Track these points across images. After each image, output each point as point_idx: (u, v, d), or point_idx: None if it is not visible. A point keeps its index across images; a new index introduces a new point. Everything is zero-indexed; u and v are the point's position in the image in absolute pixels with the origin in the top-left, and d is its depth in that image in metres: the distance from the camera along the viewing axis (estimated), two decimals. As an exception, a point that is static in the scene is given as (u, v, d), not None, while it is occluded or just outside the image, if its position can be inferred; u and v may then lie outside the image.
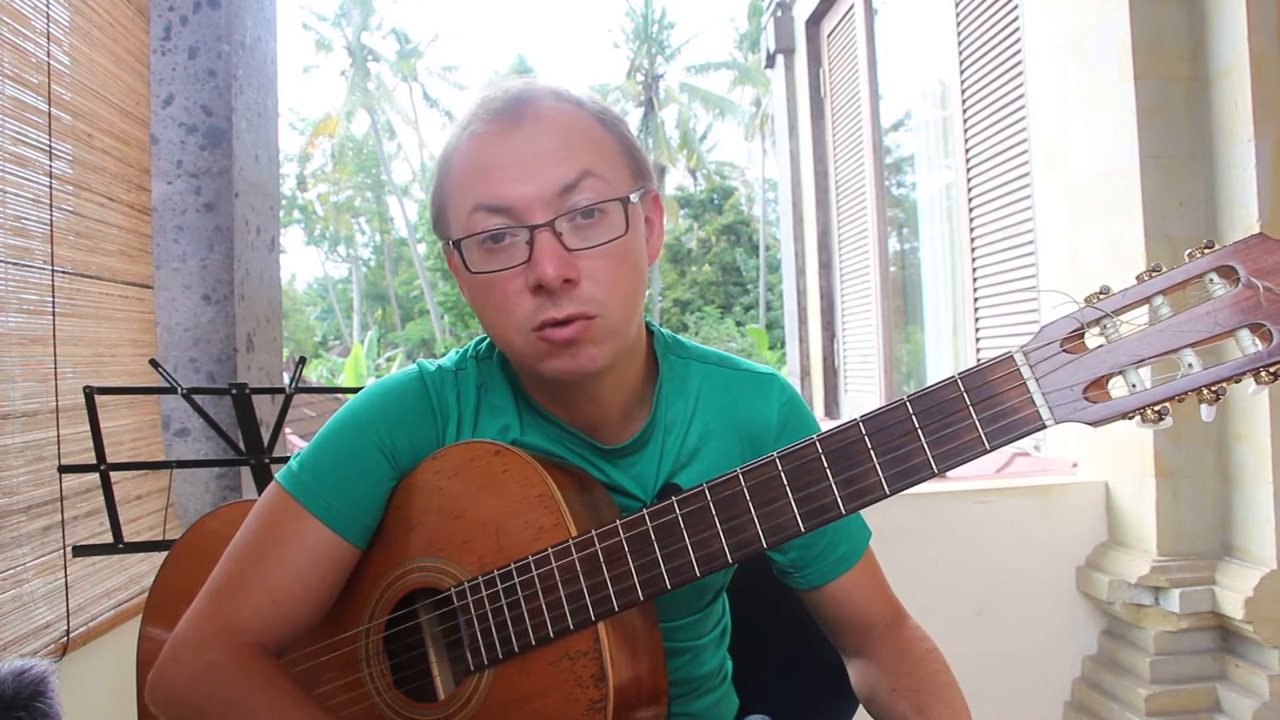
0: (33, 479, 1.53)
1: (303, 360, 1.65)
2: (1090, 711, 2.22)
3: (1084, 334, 0.67)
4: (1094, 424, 0.66)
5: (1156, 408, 0.65)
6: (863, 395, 4.57)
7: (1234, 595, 1.98)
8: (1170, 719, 2.04)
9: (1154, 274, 0.65)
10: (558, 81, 0.85)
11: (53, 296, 1.60)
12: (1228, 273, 0.64)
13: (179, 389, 1.45)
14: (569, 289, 0.78)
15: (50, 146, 1.60)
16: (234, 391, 1.52)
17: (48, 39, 1.59)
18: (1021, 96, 2.82)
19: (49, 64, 1.59)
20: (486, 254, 0.80)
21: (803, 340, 5.28)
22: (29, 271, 1.55)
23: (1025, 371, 0.67)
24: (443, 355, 0.96)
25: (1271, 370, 0.62)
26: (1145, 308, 0.66)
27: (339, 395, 8.71)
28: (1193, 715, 2.05)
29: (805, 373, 5.21)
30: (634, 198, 0.82)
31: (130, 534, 1.70)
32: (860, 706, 0.93)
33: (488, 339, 0.94)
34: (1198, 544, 2.10)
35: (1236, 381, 0.64)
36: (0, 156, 1.46)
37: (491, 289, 0.80)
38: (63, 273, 1.64)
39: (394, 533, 0.88)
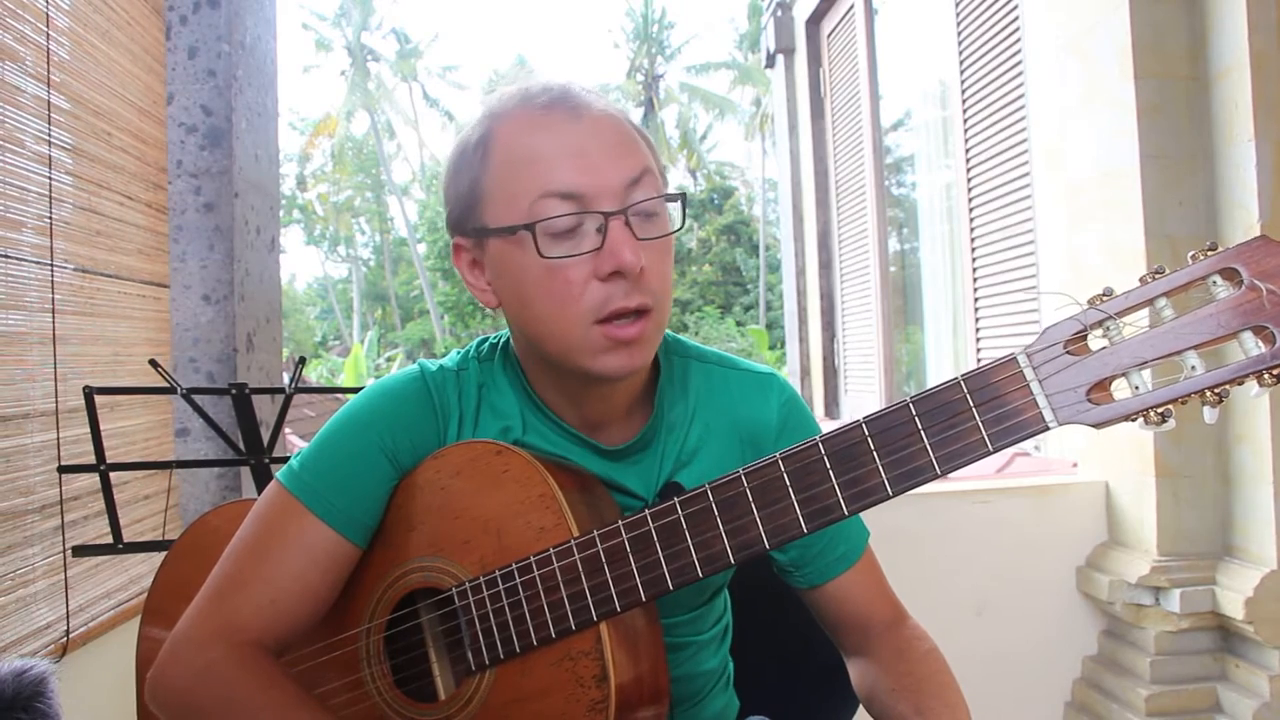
0: (48, 479, 1.53)
1: (302, 360, 1.65)
2: (1090, 712, 2.22)
3: (1087, 336, 0.67)
4: (1097, 426, 0.66)
5: (1160, 410, 0.65)
6: (863, 395, 4.57)
7: (1234, 595, 1.98)
8: (1171, 719, 2.05)
9: (1157, 276, 0.65)
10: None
11: (59, 295, 1.60)
12: (1230, 275, 0.64)
13: (178, 389, 1.45)
14: (640, 278, 0.79)
15: (68, 143, 1.60)
16: (234, 391, 1.51)
17: (63, 35, 1.59)
18: (1021, 96, 2.82)
19: (65, 60, 1.59)
20: (550, 241, 0.79)
21: (803, 340, 5.28)
22: (48, 270, 1.55)
23: (1028, 373, 0.67)
24: (443, 355, 0.96)
25: (1274, 373, 0.62)
26: (1148, 310, 0.66)
27: (339, 395, 8.71)
28: (1193, 715, 2.05)
29: (805, 373, 5.21)
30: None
31: (133, 534, 1.70)
32: (860, 706, 0.93)
33: (489, 340, 0.94)
34: (1198, 544, 2.10)
35: (1239, 384, 0.64)
36: (23, 155, 1.46)
37: (553, 278, 0.79)
38: (81, 271, 1.64)
39: (395, 532, 0.87)
